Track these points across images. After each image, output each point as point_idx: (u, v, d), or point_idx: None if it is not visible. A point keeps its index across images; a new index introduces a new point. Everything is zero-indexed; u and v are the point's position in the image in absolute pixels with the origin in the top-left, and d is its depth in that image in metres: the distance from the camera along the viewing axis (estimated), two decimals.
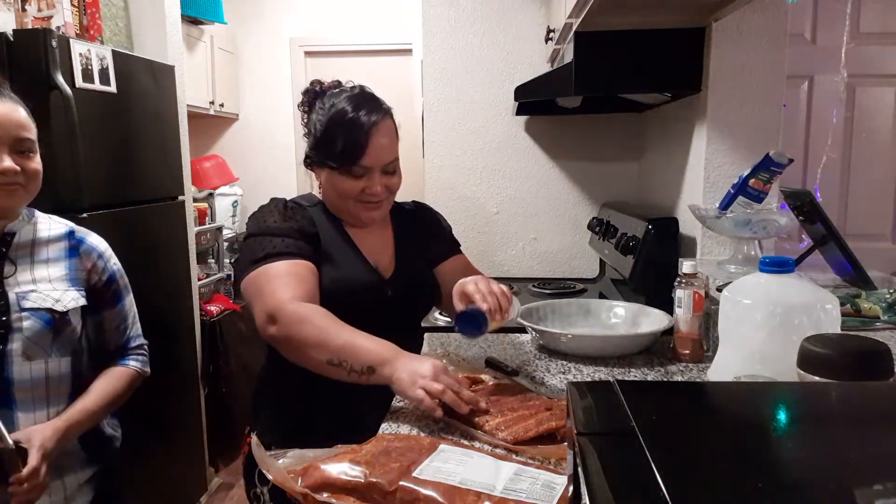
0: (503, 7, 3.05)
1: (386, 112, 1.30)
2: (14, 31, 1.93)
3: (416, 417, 1.14)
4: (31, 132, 1.25)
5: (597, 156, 3.04)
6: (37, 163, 1.26)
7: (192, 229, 2.72)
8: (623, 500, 0.45)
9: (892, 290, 1.45)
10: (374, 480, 0.83)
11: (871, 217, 2.85)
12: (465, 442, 1.02)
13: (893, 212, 2.87)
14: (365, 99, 1.29)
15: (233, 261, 3.24)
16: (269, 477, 0.87)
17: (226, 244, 3.20)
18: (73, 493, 1.32)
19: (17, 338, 1.21)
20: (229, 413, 2.92)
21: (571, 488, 0.53)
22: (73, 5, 2.24)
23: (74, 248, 1.34)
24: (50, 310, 1.25)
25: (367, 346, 1.12)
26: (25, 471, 1.14)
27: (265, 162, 3.37)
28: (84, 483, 1.34)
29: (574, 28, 1.92)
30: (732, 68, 1.84)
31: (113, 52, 2.15)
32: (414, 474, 0.84)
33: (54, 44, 1.91)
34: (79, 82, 1.99)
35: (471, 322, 1.16)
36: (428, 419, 1.12)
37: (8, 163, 1.19)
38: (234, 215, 3.35)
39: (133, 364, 1.42)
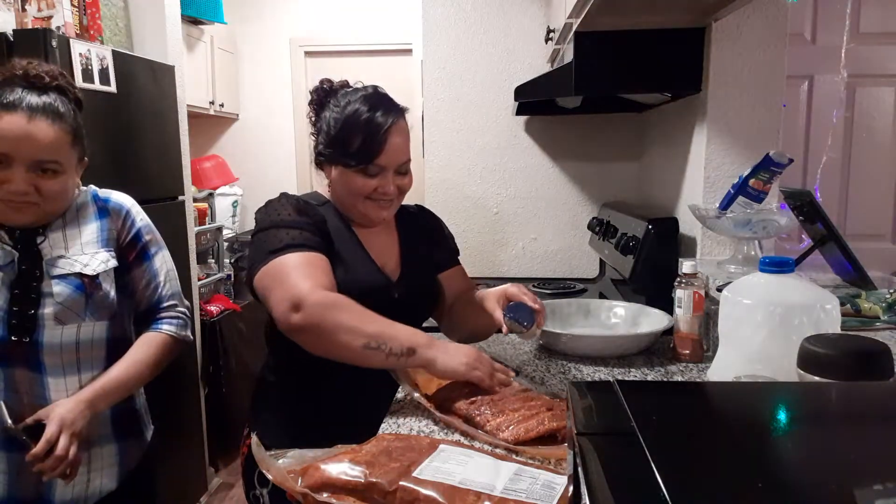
0: (503, 7, 3.05)
1: (401, 112, 1.31)
2: (14, 31, 1.93)
3: (416, 417, 1.14)
4: (58, 153, 1.20)
5: (597, 156, 3.03)
6: (58, 183, 1.21)
7: (192, 229, 2.72)
8: (623, 500, 0.45)
9: (892, 290, 1.45)
10: (374, 480, 0.83)
11: (871, 217, 2.85)
12: (465, 442, 1.02)
13: (893, 212, 2.87)
14: (380, 99, 1.30)
15: (233, 260, 3.24)
16: (269, 477, 0.87)
17: (226, 244, 3.19)
18: (94, 471, 1.30)
19: (50, 303, 1.22)
20: (229, 413, 2.92)
21: (571, 488, 0.53)
22: (73, 5, 2.24)
23: (103, 209, 1.33)
24: (79, 274, 1.25)
25: (405, 330, 1.15)
26: (38, 447, 1.14)
27: (265, 162, 3.37)
28: (109, 463, 1.33)
29: (574, 28, 1.92)
30: (732, 68, 1.84)
31: (113, 52, 2.15)
32: (414, 474, 0.84)
33: (54, 44, 1.91)
34: (79, 82, 1.99)
35: (522, 312, 1.24)
36: (428, 419, 1.13)
37: (16, 185, 1.17)
38: (234, 215, 3.35)
39: (166, 328, 1.37)
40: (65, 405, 1.20)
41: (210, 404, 2.86)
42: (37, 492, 1.23)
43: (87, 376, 1.27)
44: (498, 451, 0.98)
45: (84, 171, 1.32)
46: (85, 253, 1.27)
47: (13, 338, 1.19)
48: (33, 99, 1.18)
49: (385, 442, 0.94)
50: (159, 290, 1.39)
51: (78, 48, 1.99)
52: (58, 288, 1.23)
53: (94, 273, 1.27)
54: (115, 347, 1.32)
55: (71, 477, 1.19)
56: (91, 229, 1.30)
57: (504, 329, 1.25)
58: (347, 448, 0.92)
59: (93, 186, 1.37)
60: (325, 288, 1.17)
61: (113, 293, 1.31)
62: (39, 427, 1.16)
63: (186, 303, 1.45)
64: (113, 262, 1.31)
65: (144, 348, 1.33)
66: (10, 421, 1.16)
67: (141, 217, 1.38)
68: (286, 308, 1.13)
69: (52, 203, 1.23)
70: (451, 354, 1.14)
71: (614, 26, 1.87)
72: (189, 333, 1.42)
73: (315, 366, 1.26)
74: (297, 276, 1.16)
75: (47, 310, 1.22)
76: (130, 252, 1.35)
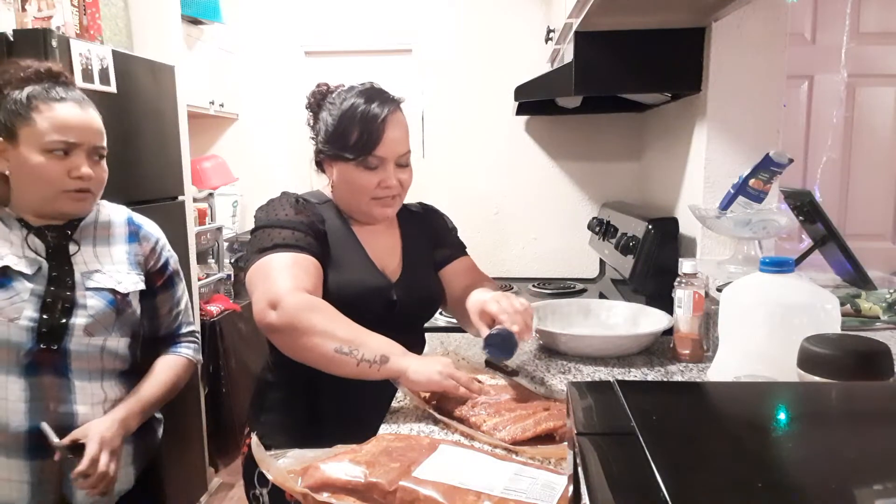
0: (503, 7, 3.05)
1: (396, 103, 1.32)
2: (14, 31, 1.93)
3: (416, 417, 1.14)
4: (105, 139, 1.29)
5: (597, 156, 3.04)
6: (105, 169, 1.30)
7: (192, 229, 2.71)
8: (623, 500, 0.45)
9: (892, 290, 1.45)
10: (374, 480, 0.83)
11: (871, 217, 2.85)
12: (465, 442, 1.02)
13: (893, 212, 2.87)
14: (375, 92, 1.31)
15: (233, 260, 3.24)
16: (269, 477, 0.87)
17: (226, 244, 3.19)
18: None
19: (82, 314, 1.24)
20: (229, 413, 2.92)
21: (571, 488, 0.53)
22: (73, 5, 2.24)
23: (134, 233, 1.38)
24: (113, 290, 1.29)
25: (378, 339, 1.15)
26: (82, 464, 1.17)
27: (265, 162, 3.37)
28: (125, 463, 1.34)
29: (574, 28, 1.92)
30: (732, 68, 1.84)
31: (113, 52, 2.15)
32: (414, 474, 0.84)
33: (54, 44, 1.91)
34: (79, 82, 1.98)
35: (502, 346, 1.16)
36: (428, 419, 1.12)
37: (86, 169, 1.24)
38: (234, 215, 3.34)
39: (185, 352, 1.45)
40: (102, 423, 1.23)
41: (210, 404, 2.86)
42: (59, 498, 1.25)
43: (108, 384, 1.30)
44: (498, 451, 0.98)
45: None
46: (118, 271, 1.32)
47: (42, 346, 1.21)
48: (72, 92, 1.26)
49: (385, 442, 0.94)
50: (181, 316, 1.47)
51: (78, 48, 1.99)
52: (92, 301, 1.26)
53: (126, 291, 1.31)
54: (132, 364, 1.36)
55: (109, 493, 1.23)
56: (121, 249, 1.35)
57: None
58: (347, 448, 0.92)
59: (126, 209, 1.42)
60: (307, 291, 1.17)
61: (138, 313, 1.35)
62: (78, 445, 1.20)
63: (197, 328, 1.53)
64: (141, 285, 1.35)
65: (168, 370, 1.39)
66: (56, 439, 1.19)
67: (168, 248, 1.44)
68: (263, 306, 1.14)
69: (100, 188, 1.30)
70: (426, 363, 1.12)
71: (614, 26, 1.87)
72: (200, 357, 1.50)
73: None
74: (279, 276, 1.17)
75: (79, 320, 1.24)
76: (158, 278, 1.40)
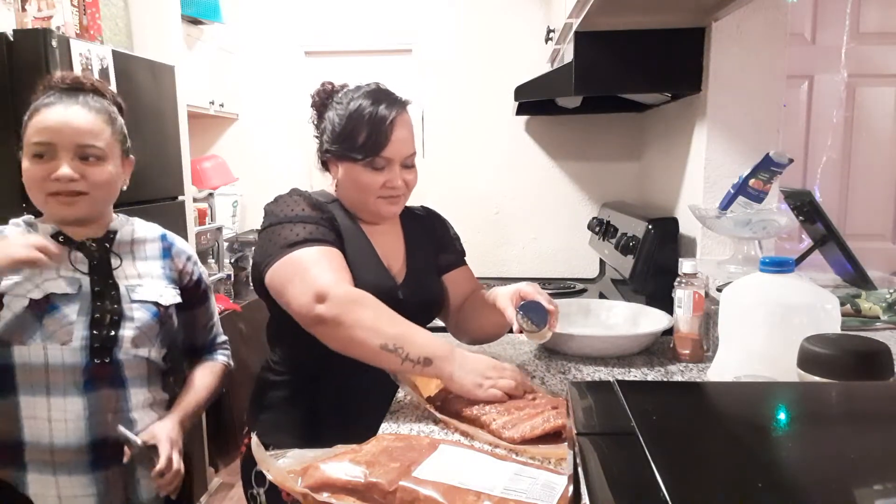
0: (503, 7, 3.05)
1: (403, 105, 1.32)
2: (14, 31, 1.93)
3: (416, 417, 1.14)
4: (99, 139, 1.23)
5: (597, 156, 3.04)
6: (103, 171, 1.24)
7: (192, 229, 2.72)
8: (623, 500, 0.45)
9: (892, 290, 1.45)
10: (374, 480, 0.83)
11: (871, 217, 2.85)
12: (465, 442, 1.02)
13: (893, 212, 2.87)
14: (383, 93, 1.32)
15: (233, 260, 3.24)
16: (269, 477, 0.87)
17: (226, 244, 3.19)
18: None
19: (129, 326, 1.26)
20: (229, 413, 2.92)
21: (571, 488, 0.53)
22: (73, 5, 2.24)
23: (167, 249, 1.39)
24: (156, 303, 1.31)
25: (425, 336, 1.15)
26: (161, 463, 1.20)
27: (265, 162, 3.37)
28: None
29: (574, 28, 1.92)
30: (732, 68, 1.84)
31: (113, 51, 2.15)
32: (414, 474, 0.84)
33: (54, 44, 1.91)
34: None
35: (536, 310, 1.23)
36: (428, 419, 1.12)
37: (63, 170, 1.19)
38: (234, 215, 3.34)
39: (222, 358, 1.50)
40: (166, 426, 1.27)
41: (210, 404, 2.86)
42: (125, 501, 1.27)
43: (154, 388, 1.32)
44: (498, 451, 0.98)
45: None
46: (157, 285, 1.33)
47: (95, 361, 1.22)
48: (69, 97, 1.24)
49: (385, 442, 0.94)
50: (216, 328, 1.52)
51: (78, 48, 1.99)
52: (138, 313, 1.27)
53: (168, 304, 1.33)
54: (171, 373, 1.39)
55: (177, 490, 1.26)
56: (157, 265, 1.36)
57: (515, 327, 1.24)
58: (347, 448, 0.92)
59: (159, 226, 1.43)
60: (347, 283, 1.17)
61: (176, 325, 1.37)
62: (150, 447, 1.24)
63: (226, 337, 1.56)
64: (178, 299, 1.37)
65: (211, 375, 1.45)
66: (139, 440, 1.22)
67: (199, 263, 1.47)
68: (309, 299, 1.13)
69: (98, 190, 1.24)
70: (468, 371, 1.12)
71: (614, 26, 1.87)
72: (233, 363, 1.55)
73: (316, 366, 1.26)
74: (320, 270, 1.16)
75: (127, 332, 1.25)
76: (194, 292, 1.43)
